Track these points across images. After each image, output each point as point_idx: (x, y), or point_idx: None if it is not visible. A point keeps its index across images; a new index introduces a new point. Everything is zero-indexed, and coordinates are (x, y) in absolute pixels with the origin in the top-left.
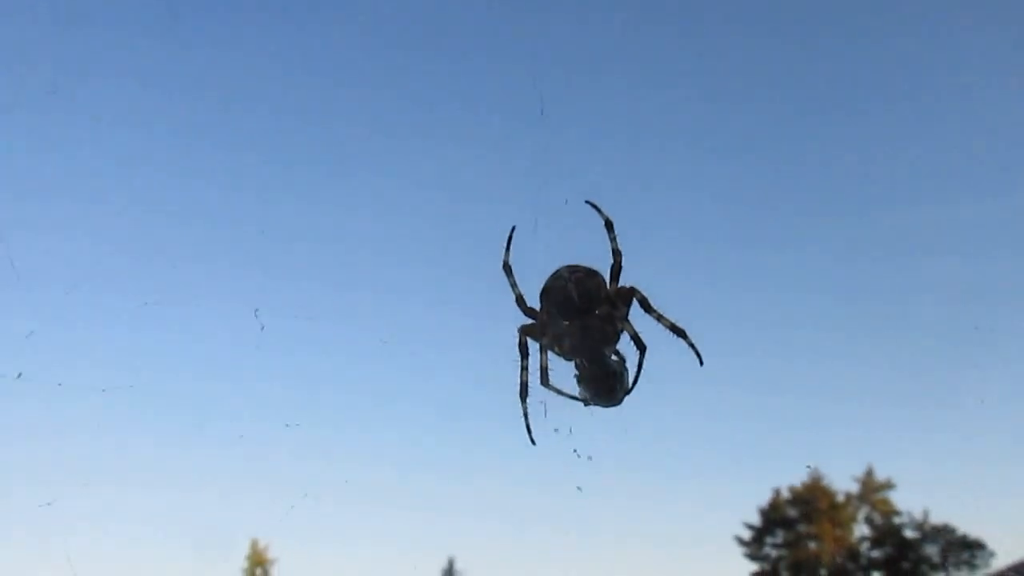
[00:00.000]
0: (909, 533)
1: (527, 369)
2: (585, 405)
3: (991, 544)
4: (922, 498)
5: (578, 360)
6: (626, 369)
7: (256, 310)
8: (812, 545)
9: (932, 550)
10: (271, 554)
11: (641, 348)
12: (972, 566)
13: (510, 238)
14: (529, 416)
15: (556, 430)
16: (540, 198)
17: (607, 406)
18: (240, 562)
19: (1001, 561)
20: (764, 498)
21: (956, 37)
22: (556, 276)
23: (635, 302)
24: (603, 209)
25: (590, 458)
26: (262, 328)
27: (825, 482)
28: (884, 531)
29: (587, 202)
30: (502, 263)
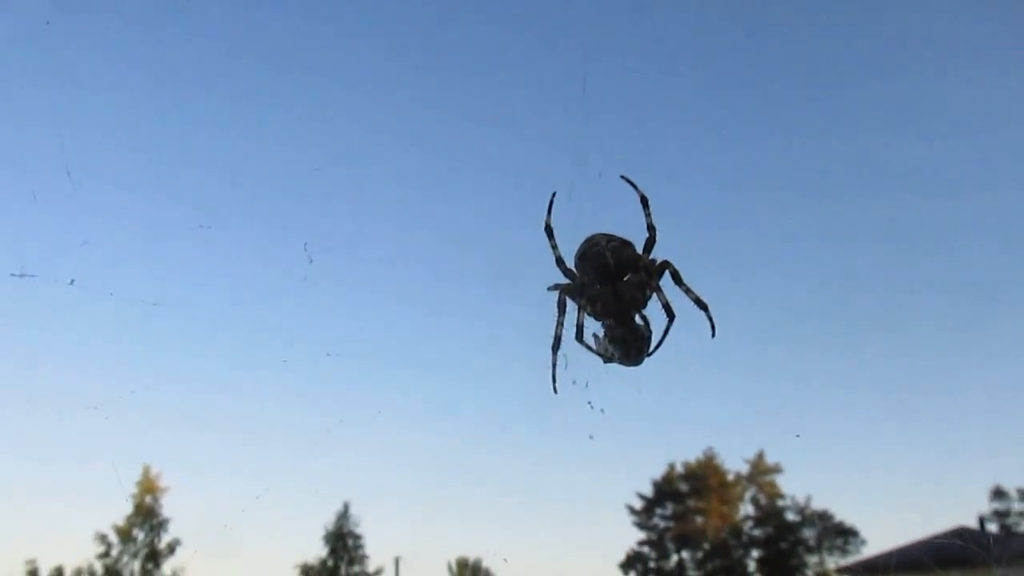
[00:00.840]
0: (790, 516)
1: (563, 324)
2: (606, 362)
3: (864, 533)
4: (806, 484)
5: (609, 321)
6: (651, 332)
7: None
8: (699, 519)
9: (809, 534)
10: (163, 483)
11: (671, 316)
12: (844, 551)
13: (551, 202)
14: (556, 367)
15: (574, 382)
16: (579, 171)
17: (629, 365)
18: (131, 487)
19: (871, 549)
20: (660, 470)
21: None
22: (594, 243)
23: (667, 274)
24: (639, 186)
25: (603, 411)
26: (310, 261)
27: (718, 461)
28: (768, 512)
29: (622, 177)
30: (544, 225)
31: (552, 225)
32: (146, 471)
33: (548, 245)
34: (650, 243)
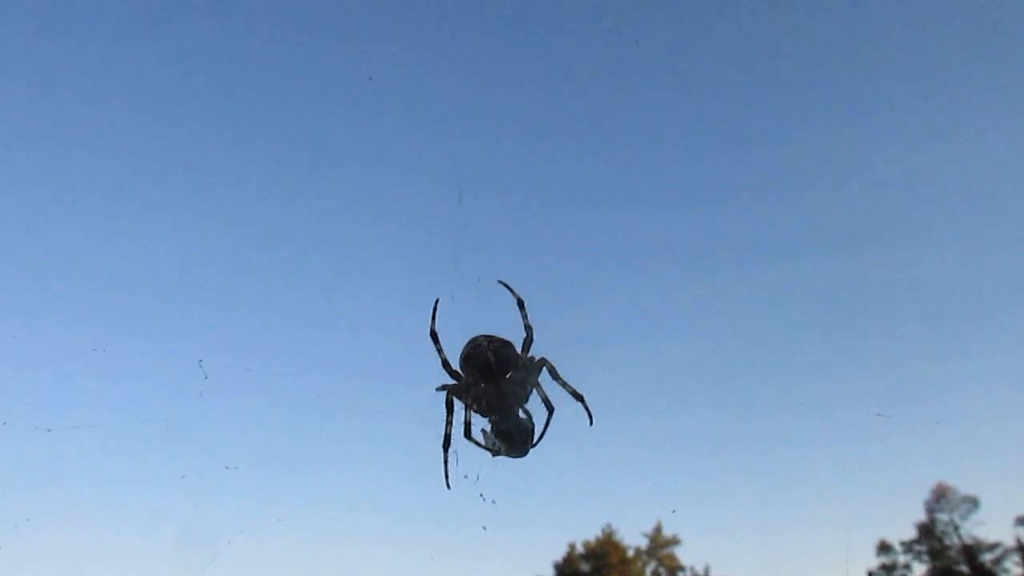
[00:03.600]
0: None
1: (451, 423)
2: (494, 456)
3: None
4: (704, 553)
5: (494, 416)
6: (534, 424)
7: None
8: None
9: None
10: None
11: (550, 409)
12: None
13: (435, 308)
14: (448, 464)
15: (466, 476)
16: (457, 277)
17: (516, 456)
18: None
19: None
20: (560, 552)
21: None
22: (476, 344)
23: (544, 370)
24: (515, 289)
25: (494, 502)
26: None
27: (617, 537)
28: None
29: (500, 282)
30: (429, 330)
31: (437, 330)
32: None
33: (434, 349)
34: (528, 342)
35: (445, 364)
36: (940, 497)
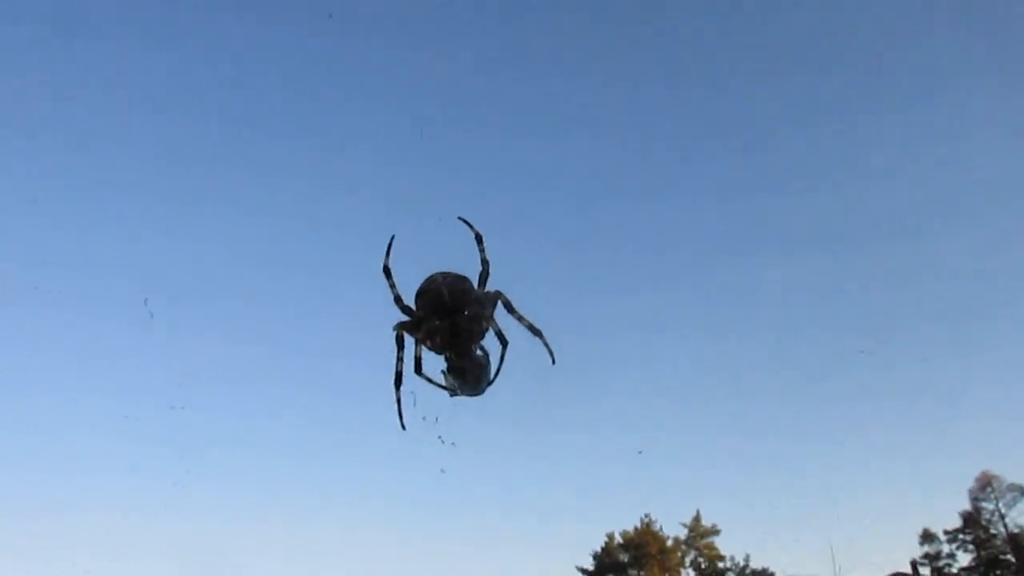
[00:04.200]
0: None
1: (402, 360)
2: (451, 395)
3: None
4: (744, 543)
5: (448, 354)
6: (490, 362)
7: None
8: None
9: None
10: None
11: (504, 343)
12: None
13: (390, 245)
14: (401, 403)
15: (424, 418)
16: (419, 213)
17: (471, 395)
18: None
19: None
20: (599, 541)
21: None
22: (430, 280)
23: (499, 304)
24: (473, 224)
25: (453, 444)
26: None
27: (656, 527)
28: (709, 575)
29: (459, 218)
30: (382, 266)
31: (390, 266)
32: None
33: (387, 285)
34: (484, 276)
35: (397, 300)
36: (985, 486)
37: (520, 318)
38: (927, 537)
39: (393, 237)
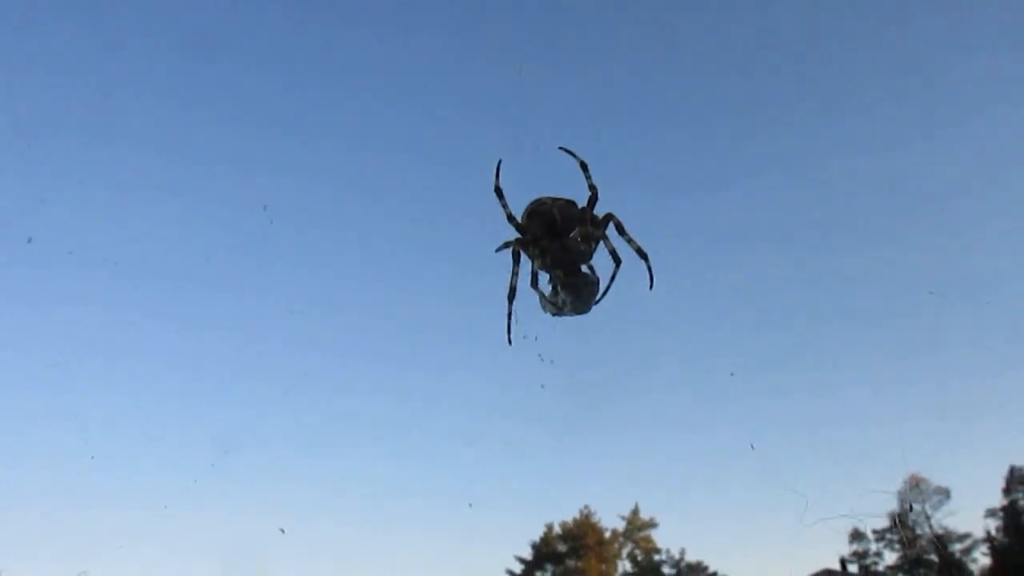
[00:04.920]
0: (667, 570)
1: (517, 275)
2: (554, 314)
3: None
4: (680, 537)
5: (559, 272)
6: (599, 279)
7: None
8: None
9: None
10: None
11: (617, 261)
12: None
13: (499, 167)
14: (512, 317)
15: (524, 337)
16: (521, 142)
17: (578, 312)
18: None
19: None
20: (539, 532)
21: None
22: (539, 202)
23: (611, 225)
24: (577, 153)
25: (552, 361)
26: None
27: (595, 519)
28: (644, 567)
29: (561, 148)
30: (493, 187)
31: (501, 186)
32: None
33: (499, 205)
34: (592, 201)
35: (510, 218)
36: (914, 487)
37: (630, 240)
38: (856, 536)
39: (500, 161)
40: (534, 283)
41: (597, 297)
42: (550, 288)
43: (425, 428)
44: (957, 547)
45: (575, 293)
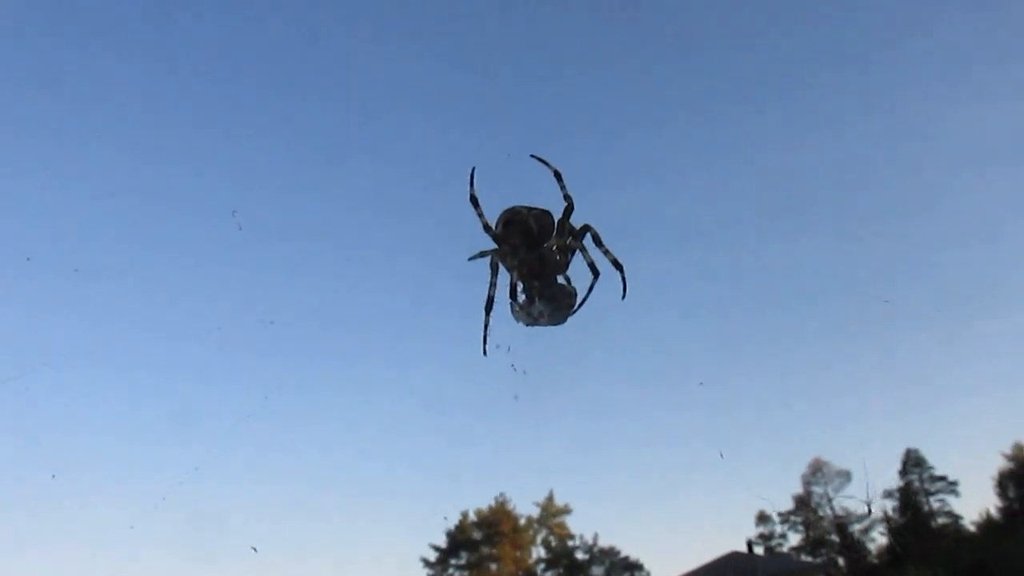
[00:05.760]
0: (580, 555)
1: (495, 286)
2: (527, 324)
3: (648, 565)
4: (593, 522)
5: (535, 282)
6: (576, 291)
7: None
8: (493, 567)
9: (599, 571)
10: None
11: (596, 274)
12: None
13: (472, 175)
14: (488, 329)
15: (498, 346)
16: (490, 151)
17: (555, 323)
18: None
19: None
20: (454, 520)
21: None
22: (516, 211)
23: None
24: (550, 162)
25: (525, 372)
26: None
27: (510, 506)
28: (559, 553)
29: (532, 156)
30: (468, 195)
31: (476, 195)
32: None
33: (474, 214)
34: (568, 211)
35: (487, 228)
36: (816, 471)
37: (606, 252)
38: (762, 518)
39: (474, 168)
40: (513, 294)
41: (574, 308)
42: (524, 298)
43: (341, 415)
44: (857, 527)
45: (553, 305)
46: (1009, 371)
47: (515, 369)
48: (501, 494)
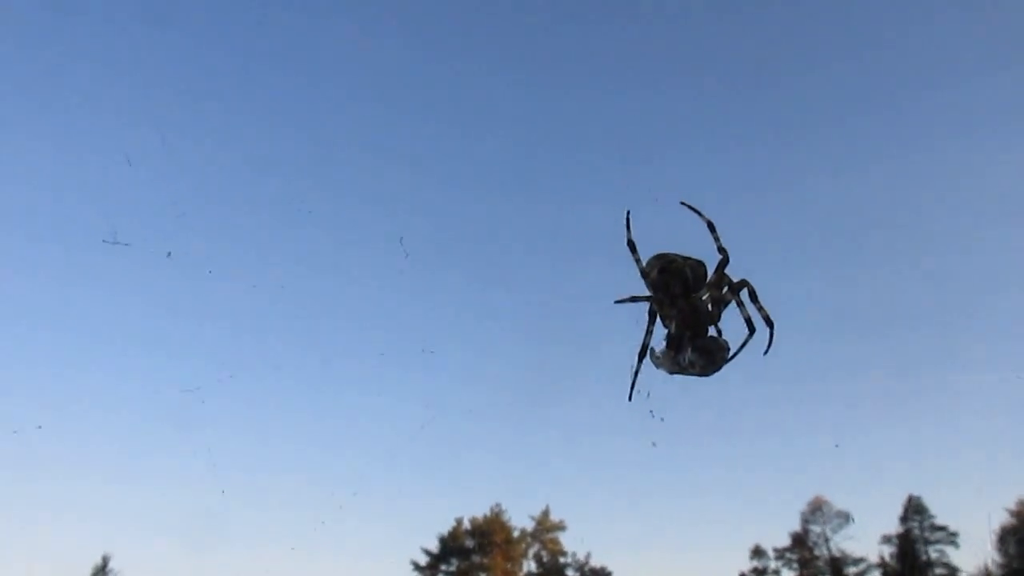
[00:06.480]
0: (571, 573)
1: (651, 333)
2: (671, 372)
3: None
4: (587, 541)
5: (687, 332)
6: (728, 344)
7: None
8: None
9: None
10: None
11: (751, 330)
12: None
13: (628, 219)
14: (638, 375)
15: (639, 391)
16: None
17: (704, 375)
18: None
19: None
20: (447, 525)
21: None
22: (670, 259)
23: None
24: (703, 211)
25: (662, 419)
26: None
27: (505, 517)
28: (549, 569)
29: (683, 203)
30: (626, 240)
31: (634, 240)
32: None
33: (632, 259)
34: (723, 263)
35: (644, 274)
36: (816, 509)
37: (760, 308)
38: (757, 553)
39: (629, 212)
40: (671, 345)
41: (727, 360)
42: (664, 345)
43: (347, 411)
44: (852, 570)
45: (707, 358)
46: (1018, 424)
47: (653, 416)
48: (497, 504)
